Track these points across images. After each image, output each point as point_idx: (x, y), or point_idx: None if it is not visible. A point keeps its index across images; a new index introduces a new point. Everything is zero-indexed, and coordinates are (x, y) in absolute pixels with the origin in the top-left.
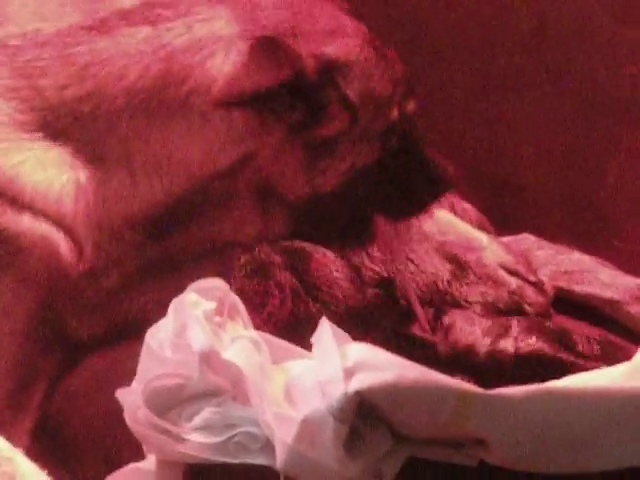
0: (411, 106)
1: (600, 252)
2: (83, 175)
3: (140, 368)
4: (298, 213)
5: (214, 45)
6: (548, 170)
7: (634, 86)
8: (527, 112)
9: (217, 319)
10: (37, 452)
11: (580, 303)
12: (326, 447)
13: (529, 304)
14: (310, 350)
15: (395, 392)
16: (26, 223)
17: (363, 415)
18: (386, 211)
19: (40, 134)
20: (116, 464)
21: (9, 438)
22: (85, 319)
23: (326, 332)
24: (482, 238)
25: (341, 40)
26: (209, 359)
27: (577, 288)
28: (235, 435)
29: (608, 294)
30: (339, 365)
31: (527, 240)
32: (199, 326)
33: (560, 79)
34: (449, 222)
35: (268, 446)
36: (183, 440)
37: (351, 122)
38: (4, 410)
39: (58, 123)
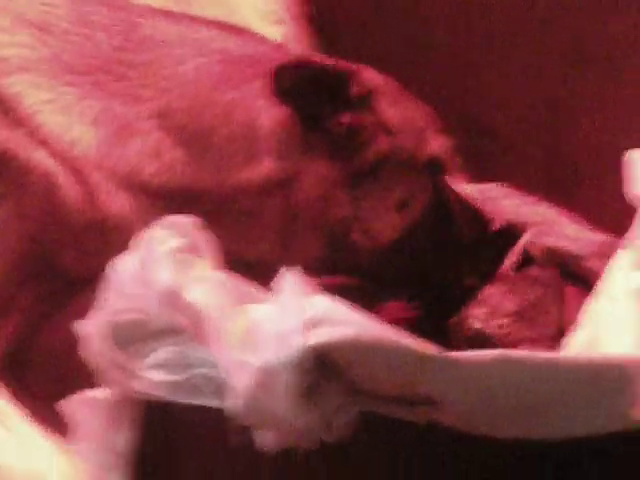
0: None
1: (568, 203)
2: (105, 131)
3: (101, 300)
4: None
5: None
6: (524, 117)
7: (617, 43)
8: (513, 61)
9: (184, 257)
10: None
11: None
12: (280, 397)
13: None
14: None
15: (353, 348)
16: (36, 159)
17: (319, 368)
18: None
19: (80, 79)
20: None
21: None
22: (82, 261)
23: (289, 281)
24: None
25: (371, 71)
26: (171, 297)
27: (541, 240)
28: (192, 376)
29: (571, 248)
30: (300, 316)
31: (495, 189)
32: (164, 263)
33: (548, 31)
34: None
35: (224, 389)
36: (139, 377)
37: (391, 146)
38: None
39: (101, 75)
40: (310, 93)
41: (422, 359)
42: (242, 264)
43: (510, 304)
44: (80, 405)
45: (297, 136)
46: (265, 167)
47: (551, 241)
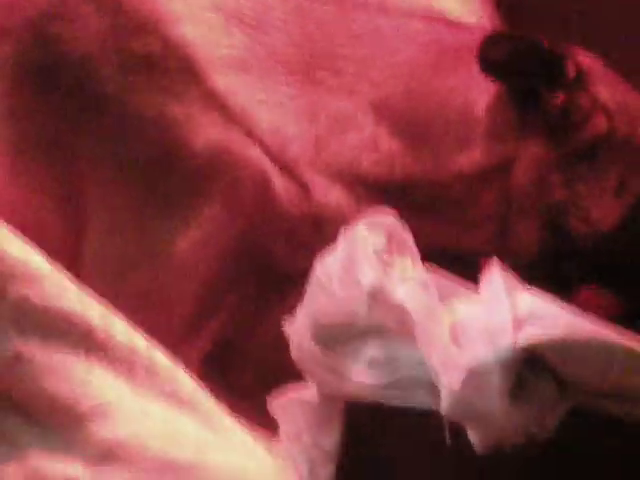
0: None
1: None
2: (320, 127)
3: (307, 300)
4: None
5: None
6: None
7: None
8: None
9: (388, 255)
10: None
11: None
12: (492, 396)
13: None
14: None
15: (564, 346)
16: (250, 156)
17: (530, 365)
18: None
19: (295, 77)
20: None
21: (182, 359)
22: (296, 256)
23: (497, 277)
24: None
25: (582, 52)
26: (377, 298)
27: None
28: (400, 376)
29: None
30: (509, 315)
31: None
32: (368, 262)
33: None
34: None
35: (432, 389)
36: (347, 378)
37: (608, 128)
38: (180, 332)
39: (316, 71)
40: (523, 67)
41: (635, 355)
42: (450, 256)
43: None
44: (286, 403)
45: (512, 119)
46: (479, 153)
47: None
